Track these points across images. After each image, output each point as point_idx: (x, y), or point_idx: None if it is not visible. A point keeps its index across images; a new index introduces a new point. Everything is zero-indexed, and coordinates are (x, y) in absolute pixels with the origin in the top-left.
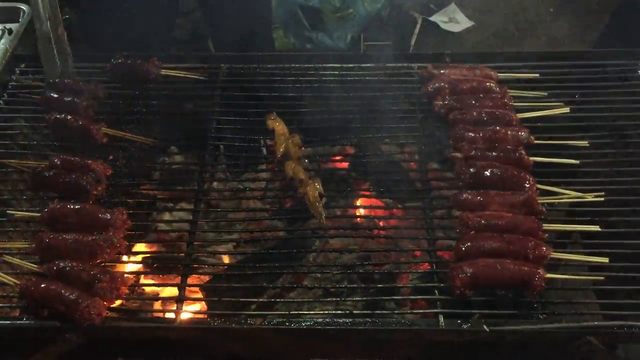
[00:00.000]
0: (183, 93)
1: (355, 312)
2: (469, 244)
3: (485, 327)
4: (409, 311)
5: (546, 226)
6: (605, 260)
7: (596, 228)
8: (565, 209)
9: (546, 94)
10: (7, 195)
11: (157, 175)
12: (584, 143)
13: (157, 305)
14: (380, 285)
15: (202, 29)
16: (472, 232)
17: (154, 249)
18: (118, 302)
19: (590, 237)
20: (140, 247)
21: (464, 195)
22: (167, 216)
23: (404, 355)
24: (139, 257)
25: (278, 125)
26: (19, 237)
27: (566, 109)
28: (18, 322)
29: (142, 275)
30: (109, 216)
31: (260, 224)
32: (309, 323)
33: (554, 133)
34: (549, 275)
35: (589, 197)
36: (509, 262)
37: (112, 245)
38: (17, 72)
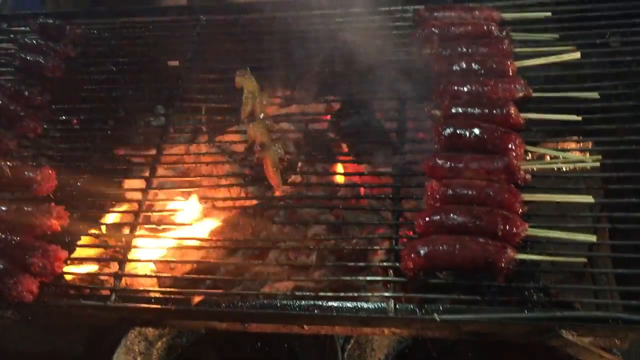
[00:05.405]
0: (155, 48)
1: (307, 294)
2: (427, 218)
3: (436, 316)
4: (370, 294)
5: (527, 197)
6: (593, 238)
7: (589, 199)
8: (564, 175)
9: (557, 36)
10: None
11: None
12: (594, 95)
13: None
14: (344, 263)
15: None
16: (437, 204)
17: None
18: (69, 278)
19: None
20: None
21: (433, 161)
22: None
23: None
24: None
25: (247, 83)
26: None
27: (577, 55)
28: None
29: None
30: (32, 175)
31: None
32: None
33: (561, 84)
34: (519, 256)
35: (590, 161)
36: (470, 240)
37: (49, 215)
38: None
